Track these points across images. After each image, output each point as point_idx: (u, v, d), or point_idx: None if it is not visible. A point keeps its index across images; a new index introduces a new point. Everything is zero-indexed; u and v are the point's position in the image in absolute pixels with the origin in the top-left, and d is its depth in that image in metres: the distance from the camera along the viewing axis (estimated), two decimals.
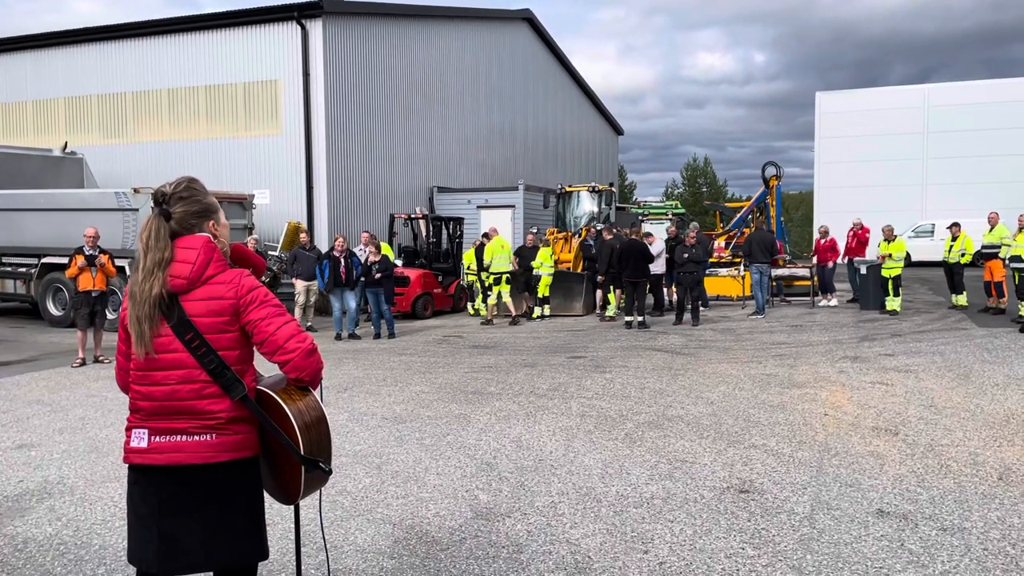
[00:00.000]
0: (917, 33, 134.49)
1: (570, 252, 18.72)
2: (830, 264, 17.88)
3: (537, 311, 16.32)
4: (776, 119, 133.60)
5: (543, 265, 16.17)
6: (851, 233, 18.04)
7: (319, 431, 2.77)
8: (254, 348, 2.78)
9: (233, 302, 2.69)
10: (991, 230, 15.30)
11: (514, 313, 15.93)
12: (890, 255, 15.44)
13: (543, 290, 16.28)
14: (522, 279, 16.96)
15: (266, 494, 2.89)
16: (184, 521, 2.67)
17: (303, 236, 15.24)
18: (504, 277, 15.72)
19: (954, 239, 15.84)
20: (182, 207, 2.78)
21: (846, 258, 18.31)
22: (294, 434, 2.69)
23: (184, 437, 2.66)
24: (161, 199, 2.78)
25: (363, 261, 13.96)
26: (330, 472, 2.80)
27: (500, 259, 15.72)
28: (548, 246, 16.63)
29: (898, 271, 15.45)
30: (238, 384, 2.68)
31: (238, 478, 2.72)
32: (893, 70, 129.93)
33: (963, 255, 15.69)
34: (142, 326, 2.65)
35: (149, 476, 2.70)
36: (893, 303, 15.36)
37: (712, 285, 18.22)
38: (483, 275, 16.25)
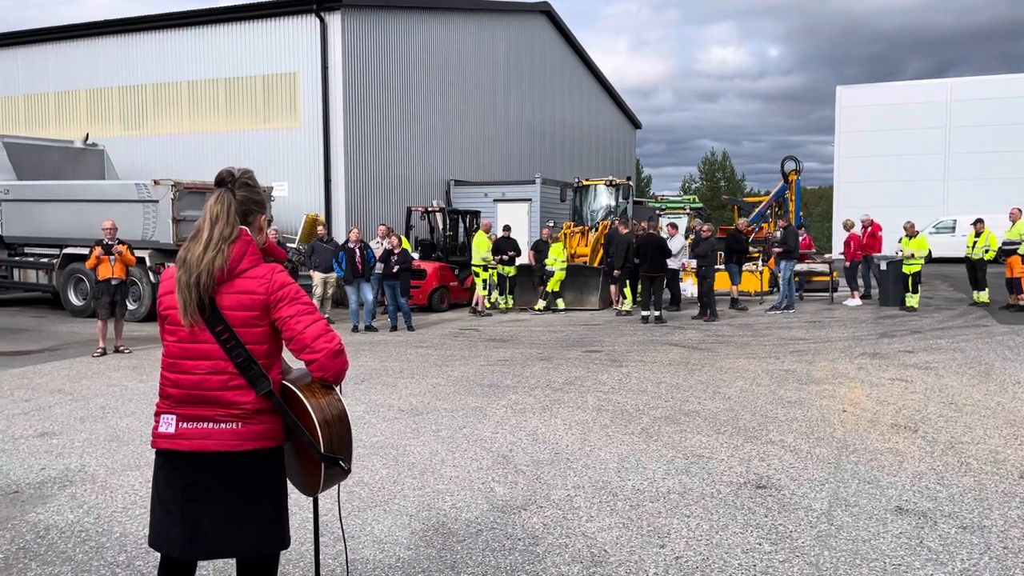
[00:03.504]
0: (932, 27, 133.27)
1: (587, 246, 18.69)
2: (848, 262, 17.68)
3: (539, 304, 16.37)
4: (791, 113, 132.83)
5: (556, 261, 16.19)
6: (863, 230, 17.73)
7: (340, 428, 2.78)
8: (283, 343, 2.80)
9: (264, 298, 2.71)
10: (1012, 226, 15.11)
11: (474, 305, 16.33)
12: (913, 255, 15.28)
13: (553, 285, 16.31)
14: (538, 274, 16.98)
15: (289, 484, 2.92)
16: (208, 507, 2.70)
17: (320, 229, 15.33)
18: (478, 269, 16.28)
19: (977, 235, 15.63)
20: (245, 192, 2.83)
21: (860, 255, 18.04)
22: (314, 430, 2.70)
23: (211, 424, 2.69)
24: (228, 179, 2.81)
25: (384, 251, 14.03)
26: (348, 471, 2.82)
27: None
28: (558, 242, 16.57)
29: (918, 268, 15.31)
30: (264, 379, 2.70)
31: (262, 467, 2.75)
32: (909, 65, 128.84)
33: (987, 251, 15.48)
34: (191, 293, 2.67)
35: (175, 461, 2.73)
36: (912, 299, 15.24)
37: (726, 280, 18.10)
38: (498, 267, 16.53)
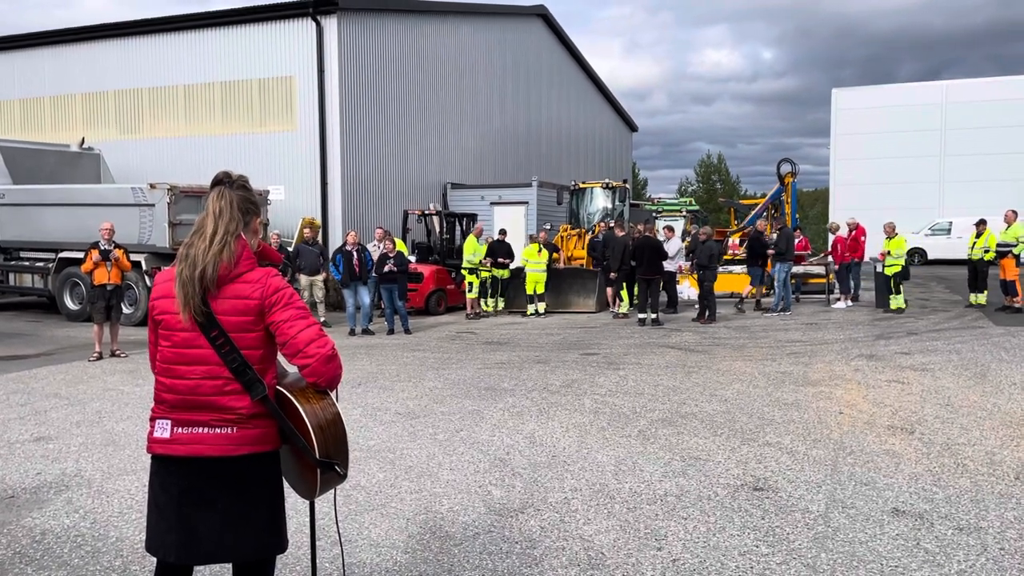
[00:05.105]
0: (926, 29, 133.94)
1: (583, 249, 18.71)
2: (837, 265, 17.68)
3: (530, 309, 16.31)
4: (785, 116, 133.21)
5: (527, 262, 16.15)
6: (848, 233, 17.71)
7: (334, 432, 2.78)
8: (277, 347, 2.79)
9: (258, 302, 2.71)
10: (1007, 228, 15.13)
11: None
12: (889, 252, 15.32)
13: (531, 287, 16.19)
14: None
15: (287, 486, 2.91)
16: (204, 512, 2.70)
17: (307, 232, 15.07)
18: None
19: (978, 236, 15.63)
20: (243, 194, 2.84)
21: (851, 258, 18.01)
22: (308, 435, 2.70)
23: (205, 429, 2.68)
24: (227, 179, 2.83)
25: (380, 255, 14.03)
26: (345, 475, 2.81)
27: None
28: (533, 243, 16.49)
29: (898, 268, 15.32)
30: (259, 384, 2.69)
31: (258, 471, 2.75)
32: (903, 67, 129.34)
33: (986, 252, 15.47)
34: (194, 287, 2.66)
35: (170, 466, 2.73)
36: (896, 301, 15.28)
37: (726, 282, 18.14)
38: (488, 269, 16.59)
